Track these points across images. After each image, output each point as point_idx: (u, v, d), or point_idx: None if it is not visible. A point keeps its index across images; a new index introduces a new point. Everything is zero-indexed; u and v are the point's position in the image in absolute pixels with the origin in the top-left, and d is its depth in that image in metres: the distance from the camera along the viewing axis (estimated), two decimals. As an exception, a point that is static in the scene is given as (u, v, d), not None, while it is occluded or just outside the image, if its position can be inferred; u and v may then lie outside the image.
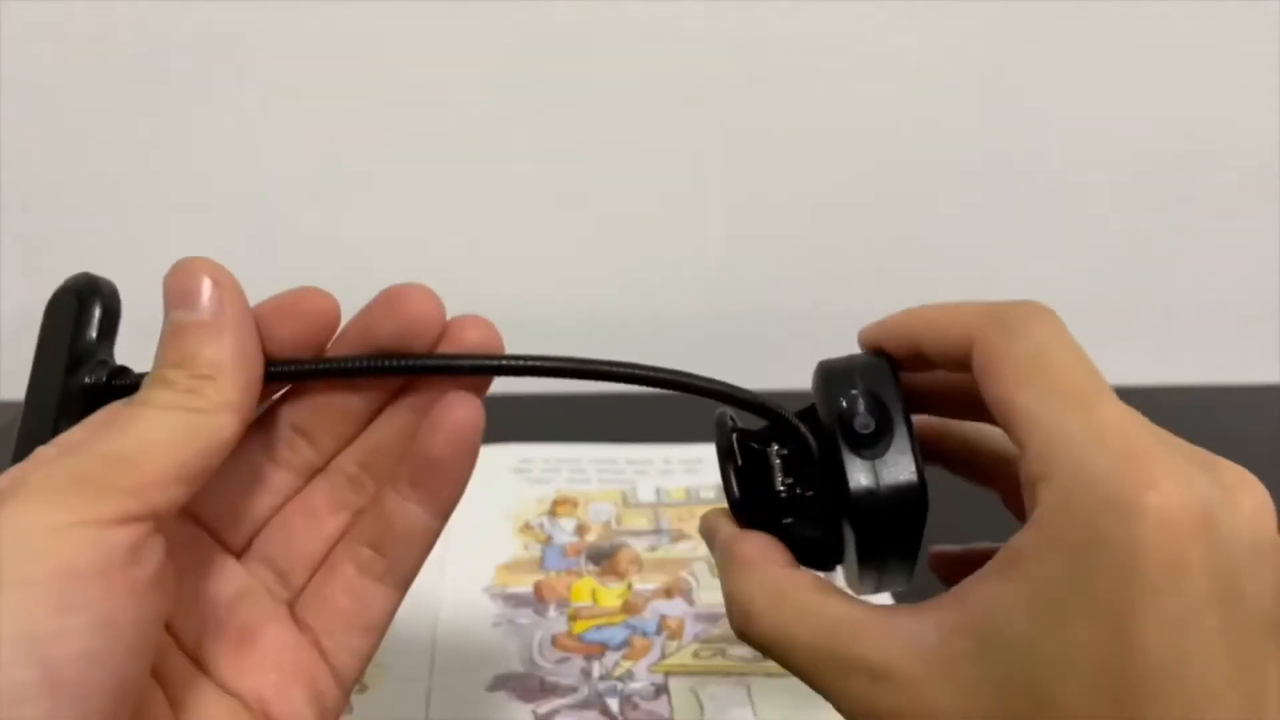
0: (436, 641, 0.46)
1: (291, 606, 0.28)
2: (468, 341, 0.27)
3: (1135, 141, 0.67)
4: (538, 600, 0.49)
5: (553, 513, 0.55)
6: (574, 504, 0.56)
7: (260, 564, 0.28)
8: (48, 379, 0.27)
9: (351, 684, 0.28)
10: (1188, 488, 0.22)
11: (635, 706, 0.43)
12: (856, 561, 0.29)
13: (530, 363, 0.27)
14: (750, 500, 0.30)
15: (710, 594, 0.49)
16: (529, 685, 0.44)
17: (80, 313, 0.27)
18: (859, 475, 0.28)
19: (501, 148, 0.64)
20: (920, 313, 0.29)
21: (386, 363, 0.27)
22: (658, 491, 0.57)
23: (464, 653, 0.46)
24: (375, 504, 0.28)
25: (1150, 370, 0.69)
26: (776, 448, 0.30)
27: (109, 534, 0.21)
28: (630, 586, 0.50)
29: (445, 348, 0.27)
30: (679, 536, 0.53)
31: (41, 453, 0.24)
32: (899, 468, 0.28)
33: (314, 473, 0.29)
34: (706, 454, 0.59)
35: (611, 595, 0.49)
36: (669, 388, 0.28)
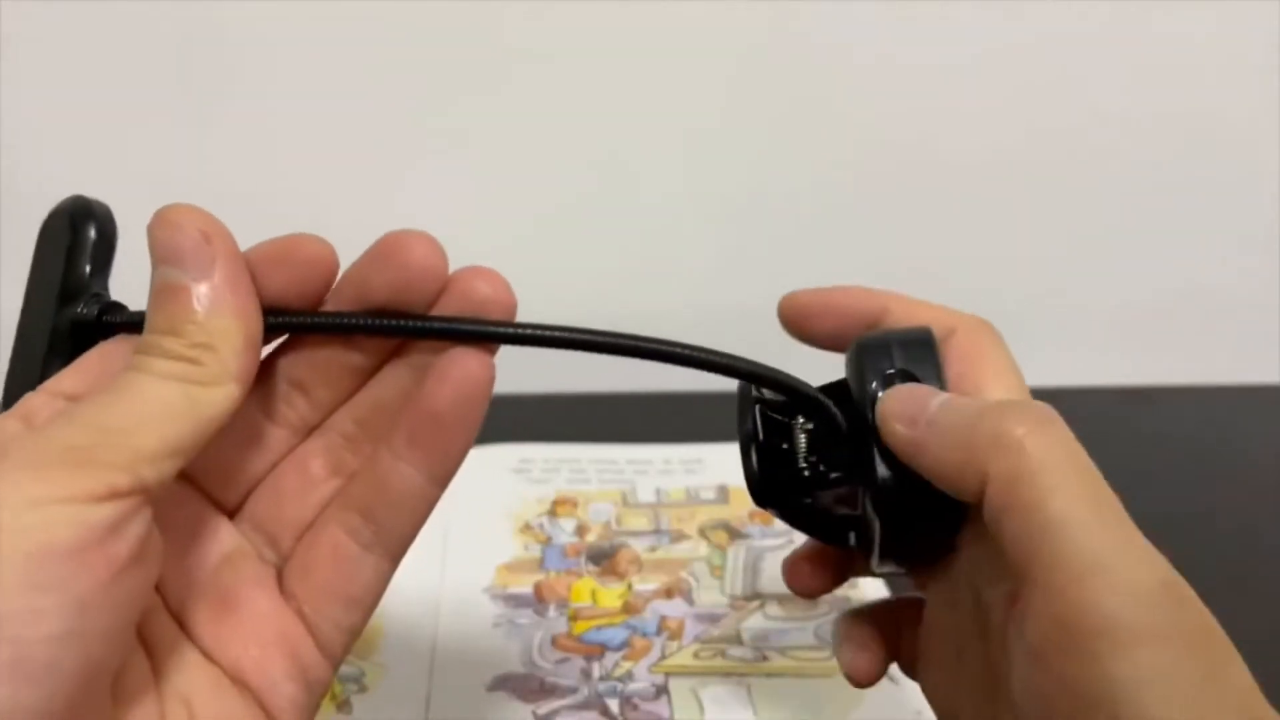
0: (436, 642, 0.46)
1: (280, 572, 0.27)
2: (476, 296, 0.25)
3: (1134, 138, 0.67)
4: (538, 600, 0.49)
5: (553, 513, 0.55)
6: (574, 504, 0.56)
7: (251, 526, 0.27)
8: (38, 312, 0.25)
9: (339, 657, 0.26)
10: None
11: (635, 707, 0.43)
12: (879, 548, 0.28)
13: (547, 333, 0.25)
14: (770, 477, 0.29)
15: (710, 594, 0.49)
16: (529, 686, 0.44)
17: (74, 240, 0.25)
18: (891, 463, 0.27)
19: (498, 143, 0.64)
20: (892, 295, 0.30)
21: (389, 322, 0.25)
22: (658, 492, 0.57)
23: (464, 653, 0.46)
24: (368, 465, 0.26)
25: (1150, 370, 0.69)
26: (802, 420, 0.29)
27: (91, 510, 0.20)
28: (630, 587, 0.50)
29: (451, 301, 0.25)
30: (679, 537, 0.53)
31: (30, 401, 0.23)
32: None
33: (310, 430, 0.27)
34: (706, 454, 0.59)
35: (611, 595, 0.49)
36: (692, 365, 0.26)
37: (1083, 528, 0.23)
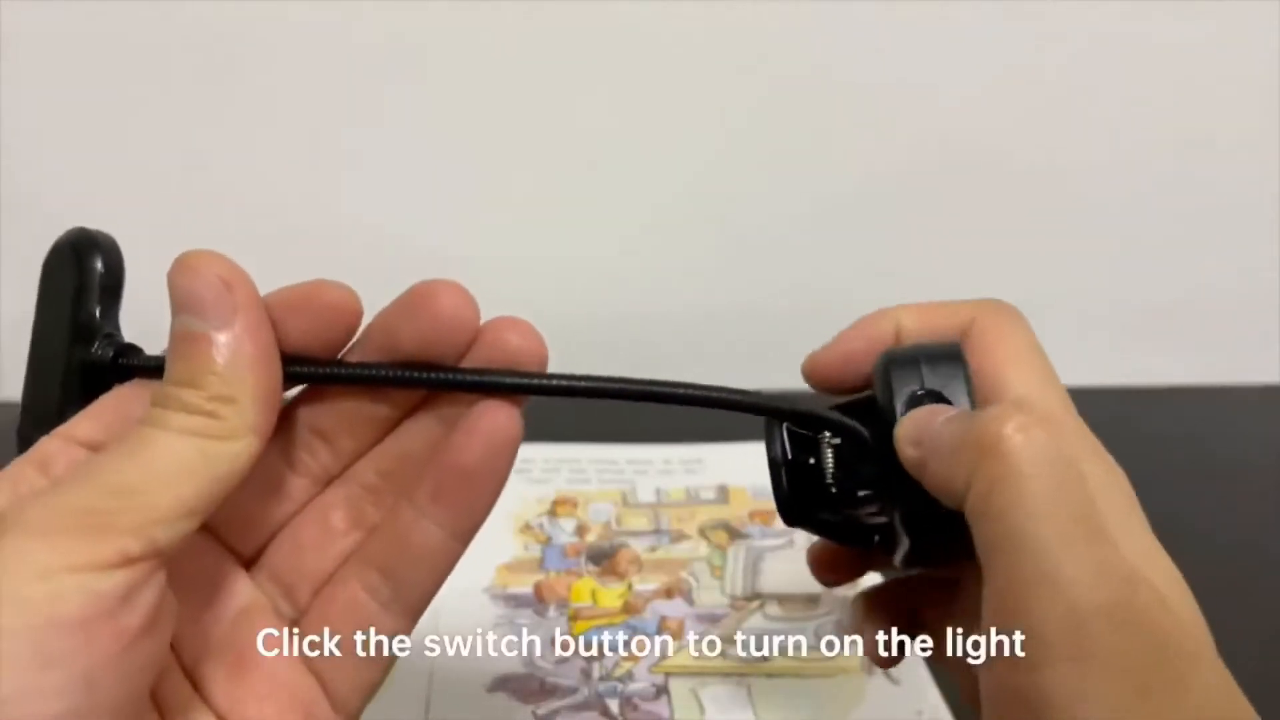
0: (437, 642, 0.46)
1: (296, 626, 0.26)
2: (508, 347, 0.25)
3: (1136, 140, 0.67)
4: (538, 601, 0.49)
5: (553, 513, 0.55)
6: (574, 504, 0.56)
7: (268, 577, 0.26)
8: (50, 354, 0.25)
9: (355, 714, 0.26)
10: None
11: (635, 707, 0.43)
12: (905, 557, 0.28)
13: (578, 384, 0.25)
14: (799, 497, 0.29)
15: (710, 594, 0.49)
16: (529, 686, 0.44)
17: (81, 274, 0.25)
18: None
19: (497, 146, 0.64)
20: (902, 310, 0.30)
21: (415, 375, 0.24)
22: (658, 491, 0.57)
23: (464, 653, 0.46)
24: (390, 520, 0.26)
25: (1151, 370, 0.69)
26: (828, 436, 0.29)
27: (101, 579, 0.20)
28: (630, 587, 0.50)
29: (481, 352, 0.25)
30: (679, 536, 0.53)
31: (45, 446, 0.23)
32: None
33: (331, 479, 0.27)
34: (706, 454, 0.59)
35: (611, 596, 0.49)
36: (722, 406, 0.26)
37: (1037, 543, 0.23)
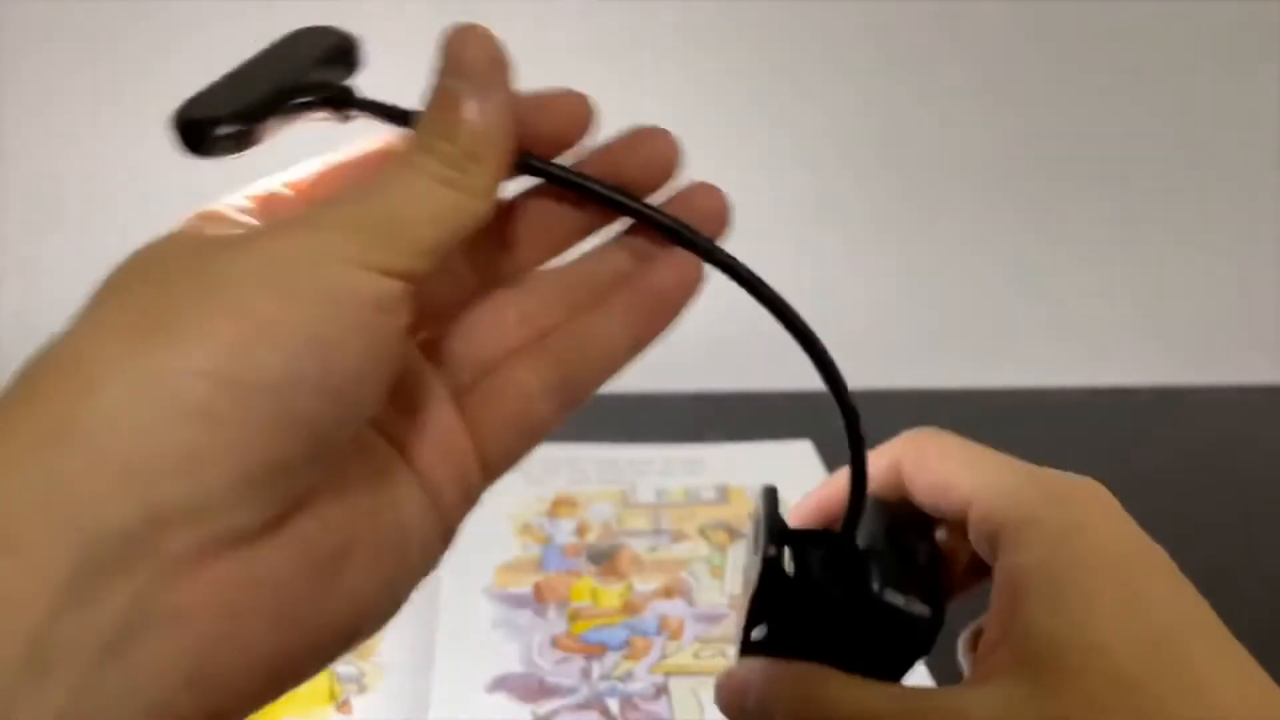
0: (436, 642, 0.46)
1: (460, 396, 0.28)
2: (696, 208, 0.27)
3: (1135, 137, 0.67)
4: (537, 601, 0.49)
5: (552, 513, 0.55)
6: (574, 504, 0.56)
7: (437, 354, 0.28)
8: (282, 58, 0.27)
9: (494, 479, 0.28)
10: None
11: (635, 707, 0.43)
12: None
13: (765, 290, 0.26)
14: (772, 604, 0.31)
15: (710, 594, 0.49)
16: (529, 686, 0.44)
17: (338, 45, 0.27)
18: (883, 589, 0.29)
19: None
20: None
21: (635, 205, 0.26)
22: (658, 491, 0.57)
23: (463, 653, 0.46)
24: (575, 321, 0.28)
25: (1152, 370, 0.69)
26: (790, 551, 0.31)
27: (383, 281, 0.22)
28: (630, 587, 0.50)
29: (673, 206, 0.27)
30: (679, 536, 0.53)
31: (271, 190, 0.26)
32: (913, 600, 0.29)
33: (501, 281, 0.29)
34: (706, 454, 0.59)
35: (611, 596, 0.49)
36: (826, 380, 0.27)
37: None
